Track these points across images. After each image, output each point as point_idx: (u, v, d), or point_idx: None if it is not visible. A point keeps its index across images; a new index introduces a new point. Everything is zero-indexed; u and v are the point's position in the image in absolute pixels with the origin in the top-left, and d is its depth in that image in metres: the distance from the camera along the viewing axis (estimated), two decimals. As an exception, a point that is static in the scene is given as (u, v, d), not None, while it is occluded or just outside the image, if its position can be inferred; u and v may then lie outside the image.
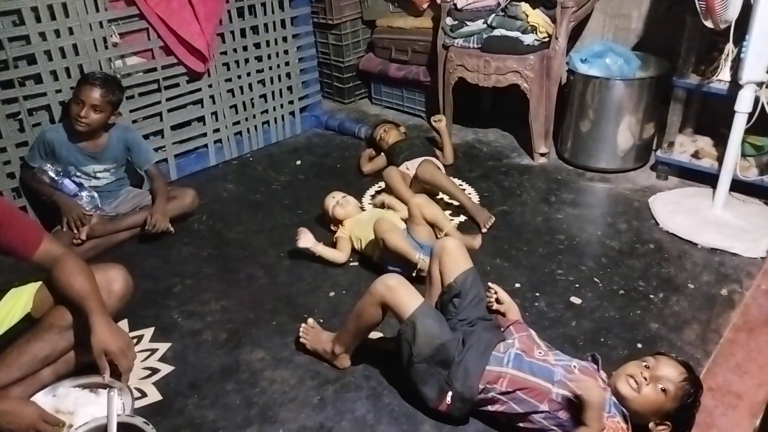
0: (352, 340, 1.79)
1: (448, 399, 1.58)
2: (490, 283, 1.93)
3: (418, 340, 1.58)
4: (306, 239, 2.28)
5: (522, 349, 1.58)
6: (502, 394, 1.53)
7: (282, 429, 1.66)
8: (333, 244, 2.39)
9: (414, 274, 2.12)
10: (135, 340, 1.99)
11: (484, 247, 2.40)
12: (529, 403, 1.50)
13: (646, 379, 1.46)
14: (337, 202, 2.46)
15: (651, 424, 1.47)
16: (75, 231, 2.39)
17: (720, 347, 1.80)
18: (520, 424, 1.55)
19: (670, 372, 1.46)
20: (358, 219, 2.45)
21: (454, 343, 1.60)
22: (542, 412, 1.49)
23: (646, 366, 1.49)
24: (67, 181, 2.48)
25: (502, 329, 1.69)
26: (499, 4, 3.05)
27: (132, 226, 2.53)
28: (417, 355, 1.58)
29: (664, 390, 1.44)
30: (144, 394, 1.78)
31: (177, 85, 2.96)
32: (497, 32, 2.99)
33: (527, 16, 2.93)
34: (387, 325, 2.00)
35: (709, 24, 2.24)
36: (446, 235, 2.22)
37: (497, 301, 1.91)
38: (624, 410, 1.47)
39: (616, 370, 1.54)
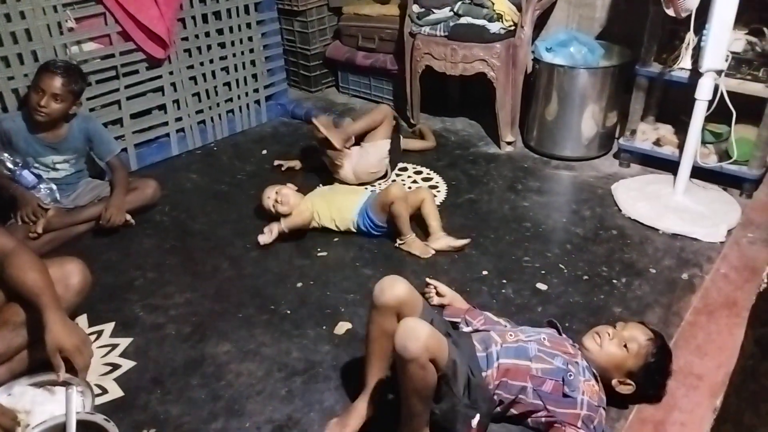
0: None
1: (474, 423, 1.44)
2: (428, 279, 1.98)
3: (460, 379, 1.40)
4: (265, 236, 2.35)
5: (500, 340, 1.58)
6: (496, 388, 1.52)
7: (249, 422, 1.63)
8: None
9: (396, 244, 2.32)
10: (94, 336, 1.94)
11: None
12: (516, 386, 1.52)
13: (609, 334, 1.56)
14: (275, 201, 2.40)
15: (614, 381, 1.55)
16: (30, 224, 2.30)
17: (681, 330, 1.84)
18: (513, 411, 1.56)
19: (636, 333, 1.56)
20: (316, 195, 2.46)
21: (465, 360, 1.47)
22: (528, 389, 1.51)
23: (614, 327, 1.60)
24: (25, 173, 2.39)
25: (458, 322, 1.70)
26: (465, -9, 3.04)
27: (90, 218, 2.45)
28: (457, 393, 1.40)
29: (626, 346, 1.53)
30: (105, 391, 1.73)
31: (136, 72, 2.87)
32: (464, 20, 2.98)
33: (493, 4, 2.93)
34: (356, 316, 2.00)
35: (670, 13, 2.28)
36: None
37: (438, 294, 1.95)
38: (594, 371, 1.53)
39: None
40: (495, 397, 1.52)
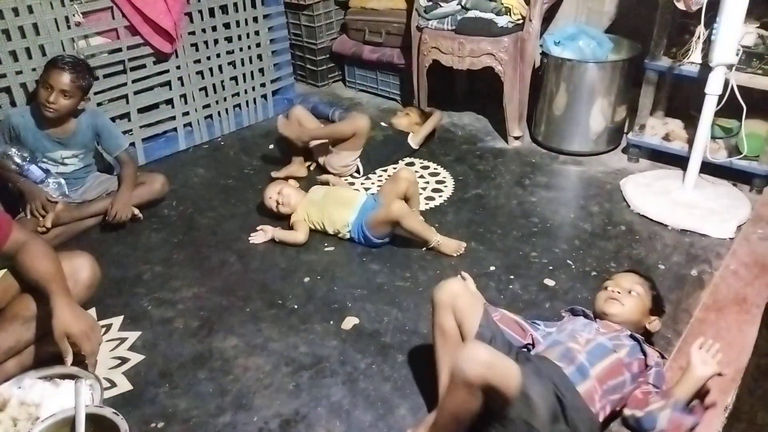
0: None
1: None
2: (463, 272, 1.92)
3: (538, 412, 1.32)
4: (257, 236, 2.36)
5: (581, 347, 1.52)
6: (602, 396, 1.45)
7: (256, 416, 1.64)
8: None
9: (425, 248, 2.29)
10: (103, 330, 1.94)
11: (459, 231, 2.40)
12: (619, 383, 1.49)
13: (619, 292, 1.66)
14: (277, 201, 2.42)
15: (648, 325, 1.68)
16: (39, 218, 2.31)
17: (690, 326, 1.82)
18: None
19: (629, 279, 1.71)
20: (310, 202, 2.43)
21: (550, 386, 1.39)
22: (627, 380, 1.50)
23: (608, 288, 1.69)
24: (33, 167, 2.39)
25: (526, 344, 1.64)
26: (473, -16, 3.02)
27: (98, 212, 2.46)
28: (540, 427, 1.33)
29: (638, 294, 1.66)
30: (113, 384, 1.74)
31: (143, 66, 2.87)
32: (471, 14, 2.96)
33: (501, -3, 2.91)
34: (363, 311, 2.00)
35: (681, 6, 2.26)
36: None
37: None
38: (634, 334, 1.59)
39: None
40: (607, 407, 1.45)
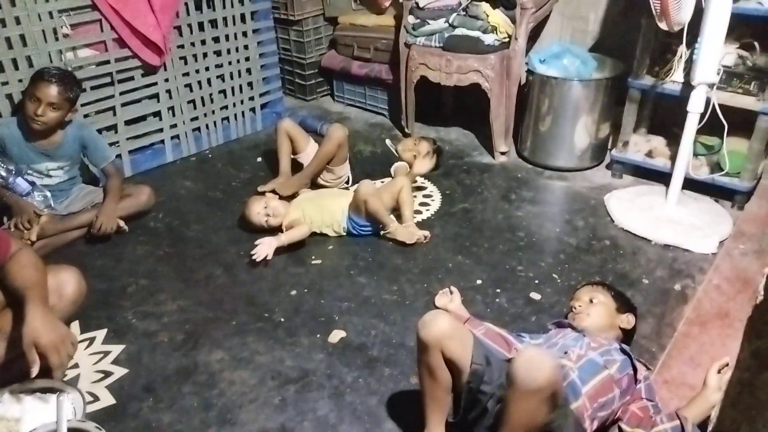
0: None
1: None
2: (451, 287, 1.95)
3: (569, 420, 1.36)
4: (263, 249, 2.26)
5: (572, 365, 1.51)
6: (593, 413, 1.45)
7: (241, 431, 1.62)
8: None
9: (381, 233, 2.42)
10: (87, 343, 1.92)
11: (446, 245, 2.41)
12: (609, 400, 1.46)
13: (582, 306, 1.73)
14: (267, 215, 2.42)
15: (621, 324, 1.71)
16: (24, 231, 2.28)
17: (674, 340, 1.84)
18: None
19: (585, 292, 1.78)
20: (305, 200, 2.46)
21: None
22: (616, 397, 1.48)
23: (573, 306, 1.76)
24: (19, 180, 2.37)
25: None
26: (460, 3, 3.07)
27: (83, 224, 2.44)
28: None
29: (600, 301, 1.73)
30: (96, 398, 1.72)
31: (131, 78, 2.87)
32: (458, 31, 3.00)
33: (488, 16, 2.96)
34: (350, 324, 1.99)
35: (663, 26, 2.30)
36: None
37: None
38: (624, 347, 1.60)
39: None
40: (595, 422, 1.44)
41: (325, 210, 2.44)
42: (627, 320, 1.73)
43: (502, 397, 1.37)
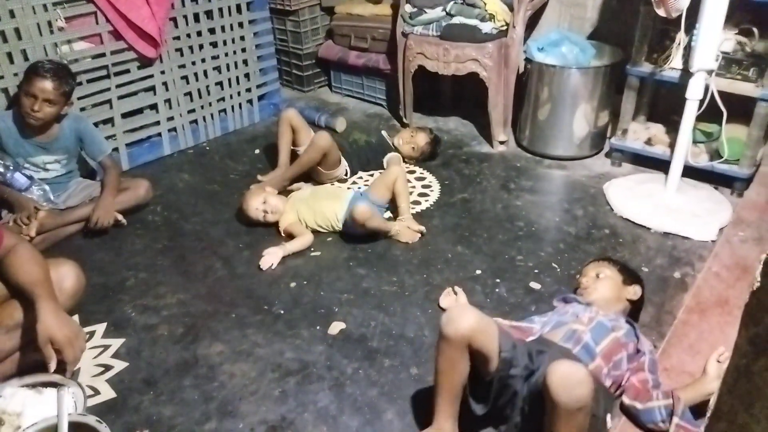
0: None
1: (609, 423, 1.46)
2: (457, 287, 2.01)
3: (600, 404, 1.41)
4: (269, 258, 2.25)
5: (584, 327, 1.61)
6: (608, 372, 1.54)
7: (242, 423, 1.62)
8: (289, 235, 2.38)
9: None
10: (87, 337, 1.92)
11: (445, 235, 2.41)
12: (619, 360, 1.56)
13: (590, 280, 1.81)
14: (264, 211, 2.40)
15: (627, 296, 1.77)
16: (23, 227, 2.28)
17: (674, 328, 1.85)
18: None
19: (591, 268, 1.85)
20: (299, 200, 2.44)
21: None
22: (624, 359, 1.57)
23: (581, 277, 1.85)
24: (18, 175, 2.36)
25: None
26: (457, -9, 3.05)
27: (81, 218, 2.43)
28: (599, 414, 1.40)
29: (606, 275, 1.80)
30: (97, 392, 1.72)
31: (127, 71, 2.85)
32: (456, 20, 2.98)
33: (485, 4, 2.93)
34: (349, 316, 2.00)
35: (661, 13, 2.29)
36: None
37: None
38: (629, 319, 1.68)
39: None
40: (610, 382, 1.53)
41: (319, 214, 2.40)
42: (634, 291, 1.79)
43: (529, 377, 1.45)
